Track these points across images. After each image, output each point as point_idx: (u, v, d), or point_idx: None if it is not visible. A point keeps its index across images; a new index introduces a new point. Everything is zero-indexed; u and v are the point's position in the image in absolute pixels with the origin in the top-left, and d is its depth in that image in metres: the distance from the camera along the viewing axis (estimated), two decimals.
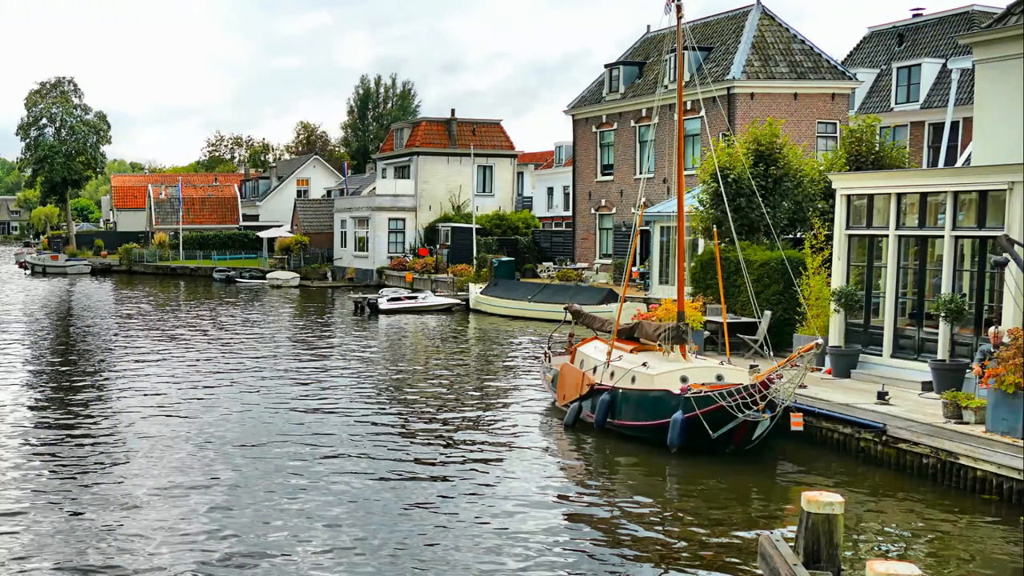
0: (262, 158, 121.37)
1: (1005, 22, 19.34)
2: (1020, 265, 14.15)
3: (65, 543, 11.80)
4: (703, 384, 16.20)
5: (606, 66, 47.28)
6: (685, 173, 26.46)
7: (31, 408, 20.12)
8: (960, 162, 24.78)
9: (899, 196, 19.04)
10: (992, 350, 15.28)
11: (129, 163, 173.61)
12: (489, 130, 62.61)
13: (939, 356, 17.80)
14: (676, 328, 17.63)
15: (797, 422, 15.41)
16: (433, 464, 15.71)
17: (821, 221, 22.99)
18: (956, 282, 17.88)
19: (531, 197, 76.58)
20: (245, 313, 42.34)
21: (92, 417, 19.17)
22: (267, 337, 33.13)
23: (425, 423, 18.87)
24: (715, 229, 22.31)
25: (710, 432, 15.59)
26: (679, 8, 19.46)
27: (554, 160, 75.06)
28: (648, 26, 49.05)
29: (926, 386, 17.35)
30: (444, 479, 14.77)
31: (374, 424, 18.65)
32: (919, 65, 43.85)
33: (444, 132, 61.47)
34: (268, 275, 60.73)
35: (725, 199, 21.89)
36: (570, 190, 55.84)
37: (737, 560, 11.39)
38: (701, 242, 29.72)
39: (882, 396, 16.73)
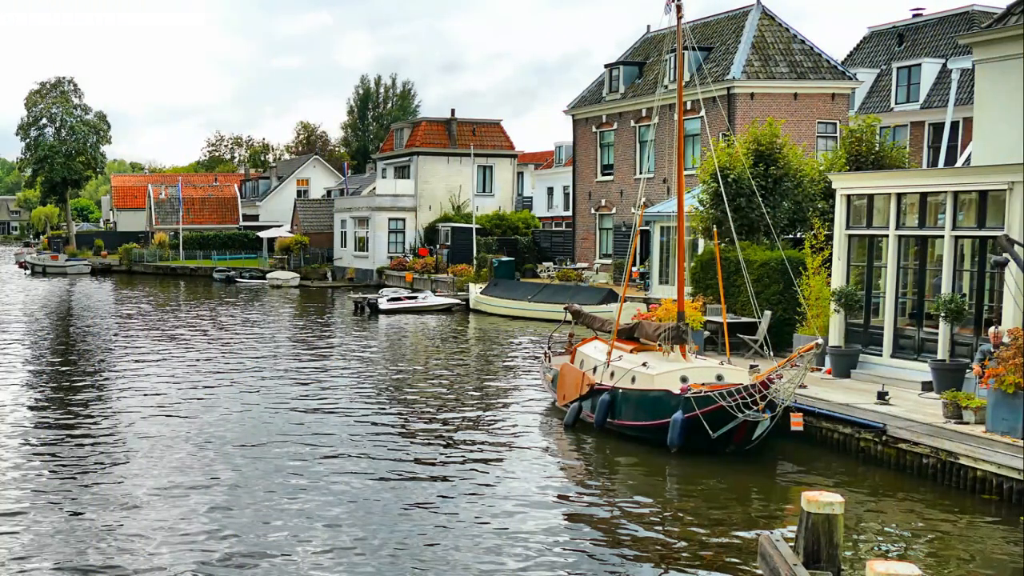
0: (262, 158, 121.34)
1: (1005, 22, 19.34)
2: (1020, 265, 14.15)
3: (65, 543, 11.81)
4: (703, 384, 16.20)
5: (606, 66, 47.27)
6: (685, 173, 26.47)
7: (31, 408, 20.12)
8: (960, 162, 24.77)
9: (899, 196, 19.04)
10: (992, 350, 15.28)
11: (129, 163, 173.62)
12: (489, 130, 62.60)
13: (939, 356, 17.80)
14: (676, 328, 17.63)
15: (797, 422, 15.42)
16: (433, 464, 15.71)
17: (821, 221, 22.99)
18: (956, 282, 17.87)
19: (531, 197, 76.56)
20: (245, 313, 42.33)
21: (92, 417, 19.17)
22: (267, 337, 33.12)
23: (425, 423, 18.87)
24: (715, 229, 22.31)
25: (710, 432, 15.60)
26: (679, 8, 19.47)
27: (554, 160, 75.05)
28: (648, 26, 49.12)
29: (926, 386, 17.35)
30: (444, 479, 14.77)
31: (374, 424, 18.65)
32: (919, 65, 43.86)
33: (444, 132, 61.46)
34: (268, 275, 60.71)
35: (725, 199, 21.89)
36: (570, 190, 55.84)
37: (737, 560, 11.39)
38: (701, 242, 29.71)
39: (882, 396, 16.73)
